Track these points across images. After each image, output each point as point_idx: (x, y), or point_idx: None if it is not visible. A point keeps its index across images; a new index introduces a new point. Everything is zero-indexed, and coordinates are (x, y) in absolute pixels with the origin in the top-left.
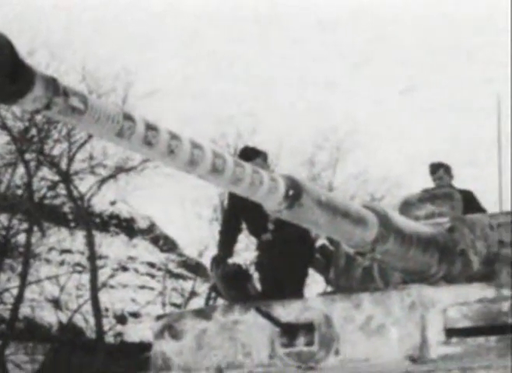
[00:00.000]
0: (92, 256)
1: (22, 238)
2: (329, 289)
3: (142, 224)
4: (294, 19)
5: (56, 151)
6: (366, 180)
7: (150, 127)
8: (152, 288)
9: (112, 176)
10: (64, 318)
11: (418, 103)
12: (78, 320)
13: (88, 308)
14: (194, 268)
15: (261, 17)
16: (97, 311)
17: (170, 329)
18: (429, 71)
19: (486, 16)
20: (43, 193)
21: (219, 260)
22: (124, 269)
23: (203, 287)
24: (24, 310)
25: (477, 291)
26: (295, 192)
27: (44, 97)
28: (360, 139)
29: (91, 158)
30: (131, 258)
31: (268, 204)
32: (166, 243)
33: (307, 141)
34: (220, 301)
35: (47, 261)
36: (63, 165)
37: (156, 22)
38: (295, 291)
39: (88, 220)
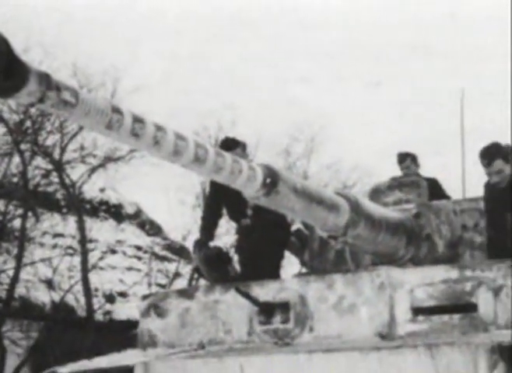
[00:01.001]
0: (83, 240)
1: (17, 223)
2: (304, 270)
3: (130, 209)
4: (271, 20)
5: (49, 142)
6: (339, 169)
7: (137, 120)
8: (138, 270)
9: (101, 165)
10: (56, 298)
11: (387, 97)
12: (70, 299)
13: (79, 288)
14: (178, 251)
15: (240, 18)
16: (87, 291)
17: (155, 307)
18: (397, 67)
19: (448, 15)
20: (37, 181)
21: (201, 244)
22: (113, 251)
23: (186, 269)
24: (19, 290)
25: (442, 273)
26: (272, 180)
27: (38, 91)
28: (333, 131)
29: (82, 148)
30: (119, 241)
31: (246, 191)
32: (151, 228)
33: (283, 132)
34: (202, 282)
35: (41, 244)
36: (56, 154)
37: (143, 23)
38: (272, 272)
39: (79, 206)
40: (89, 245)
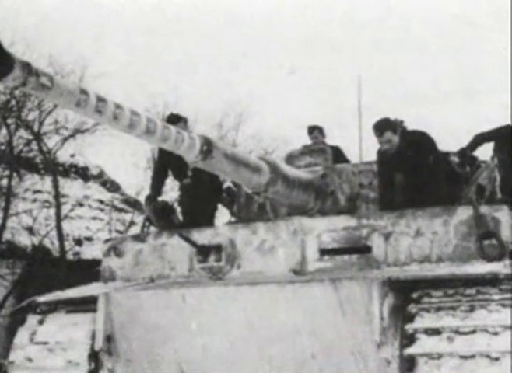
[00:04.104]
0: (57, 195)
1: (4, 182)
2: (233, 220)
3: (94, 171)
4: (208, 18)
5: (30, 117)
6: (261, 139)
7: (100, 100)
8: (101, 219)
9: (72, 136)
10: (36, 242)
11: (301, 82)
12: (47, 243)
13: (54, 233)
14: (133, 204)
15: (182, 16)
16: (61, 236)
17: (114, 249)
18: (309, 58)
19: (350, 14)
20: (20, 148)
21: (151, 198)
22: (81, 205)
23: (139, 219)
24: (6, 235)
25: (343, 222)
26: (208, 147)
27: (21, 77)
28: (257, 108)
29: (56, 122)
30: (86, 196)
31: (187, 157)
32: (112, 185)
33: (217, 109)
34: (152, 229)
35: (24, 199)
36: (35, 127)
37: (106, 22)
38: (207, 221)
39: (54, 168)
40: (62, 200)
